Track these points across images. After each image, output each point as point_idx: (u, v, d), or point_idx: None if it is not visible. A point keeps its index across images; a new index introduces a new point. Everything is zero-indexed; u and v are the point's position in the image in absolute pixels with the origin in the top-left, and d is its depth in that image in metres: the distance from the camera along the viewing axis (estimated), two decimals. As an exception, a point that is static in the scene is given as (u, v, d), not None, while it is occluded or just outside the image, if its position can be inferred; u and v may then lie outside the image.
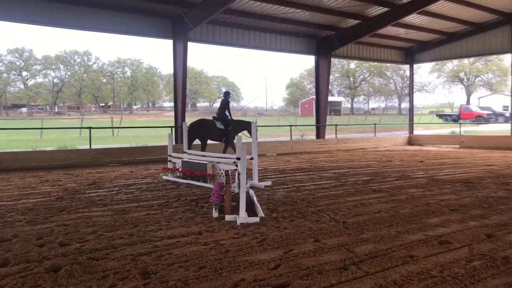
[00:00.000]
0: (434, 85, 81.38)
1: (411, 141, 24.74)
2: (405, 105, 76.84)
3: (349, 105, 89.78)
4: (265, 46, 19.45)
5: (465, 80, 75.98)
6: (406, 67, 28.28)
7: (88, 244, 5.06)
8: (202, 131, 13.10)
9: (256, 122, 14.75)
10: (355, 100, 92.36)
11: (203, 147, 13.26)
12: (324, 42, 20.50)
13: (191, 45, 16.59)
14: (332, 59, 22.28)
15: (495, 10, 20.16)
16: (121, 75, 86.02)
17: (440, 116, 54.88)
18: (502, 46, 21.62)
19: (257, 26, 18.44)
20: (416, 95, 73.24)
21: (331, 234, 5.42)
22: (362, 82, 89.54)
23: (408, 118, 26.96)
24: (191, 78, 78.44)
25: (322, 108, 21.56)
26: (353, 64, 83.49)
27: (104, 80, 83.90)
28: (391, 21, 18.64)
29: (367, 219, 6.22)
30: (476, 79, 75.70)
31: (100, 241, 5.21)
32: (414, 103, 27.70)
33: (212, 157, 10.18)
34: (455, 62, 69.78)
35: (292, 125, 21.72)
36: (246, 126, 13.76)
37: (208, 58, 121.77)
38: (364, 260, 4.44)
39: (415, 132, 26.55)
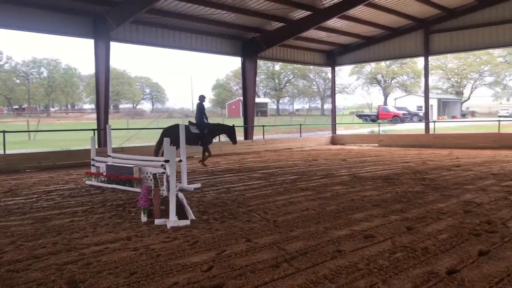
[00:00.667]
0: (354, 87, 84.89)
1: (334, 141, 25.68)
2: (327, 106, 79.63)
3: (275, 106, 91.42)
4: (191, 46, 19.29)
5: (382, 82, 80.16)
6: (328, 69, 29.28)
7: (6, 256, 4.73)
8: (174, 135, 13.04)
9: (233, 125, 15.00)
10: (280, 101, 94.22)
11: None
12: (250, 44, 20.71)
13: (113, 45, 16.07)
14: (258, 60, 22.57)
15: (409, 16, 21.49)
16: (37, 76, 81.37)
17: (360, 116, 57.53)
18: (416, 50, 23.08)
19: (182, 27, 18.24)
20: (337, 97, 75.94)
21: (262, 233, 5.48)
22: (287, 84, 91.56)
23: (330, 119, 27.95)
24: (113, 79, 75.87)
25: (250, 109, 21.78)
26: (278, 66, 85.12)
27: (18, 81, 78.85)
28: (314, 25, 19.25)
29: (296, 217, 6.37)
30: (392, 81, 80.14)
31: (20, 251, 4.89)
32: (335, 104, 28.76)
33: (138, 160, 9.92)
34: (373, 64, 73.36)
35: (220, 127, 21.71)
36: (225, 129, 14.24)
37: (131, 58, 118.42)
38: (295, 257, 4.53)
39: (338, 132, 27.59)
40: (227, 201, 7.72)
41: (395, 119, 50.63)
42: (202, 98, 14.04)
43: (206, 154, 13.95)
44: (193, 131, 13.38)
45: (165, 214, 6.28)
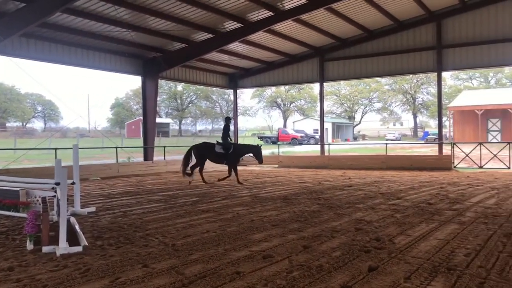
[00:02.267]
0: (256, 110, 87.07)
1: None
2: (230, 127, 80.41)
3: (177, 127, 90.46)
4: (88, 64, 18.52)
5: (282, 105, 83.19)
6: (230, 91, 29.75)
7: None
8: (198, 153, 14.68)
9: (261, 146, 15.28)
10: (183, 122, 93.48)
11: (198, 166, 14.84)
12: (151, 63, 20.38)
13: (1, 59, 14.87)
14: (159, 80, 22.26)
15: (306, 44, 22.67)
16: None
17: (261, 138, 58.94)
18: (312, 76, 24.36)
19: (79, 43, 17.47)
20: (239, 118, 77.23)
21: (160, 258, 5.31)
22: (190, 105, 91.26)
23: (233, 140, 28.27)
24: (0, 95, 70.19)
25: (150, 130, 21.30)
26: (180, 86, 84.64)
27: None
28: (216, 47, 19.51)
29: (196, 239, 6.27)
30: (291, 105, 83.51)
31: None
32: (238, 126, 29.22)
33: (25, 182, 9.16)
34: (273, 88, 76.05)
35: (118, 147, 20.91)
36: (251, 149, 15.10)
37: (21, 74, 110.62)
38: (193, 281, 4.44)
39: (240, 153, 27.93)
40: (124, 226, 7.40)
41: (294, 141, 52.67)
42: (228, 120, 15.10)
43: (227, 174, 14.77)
44: (217, 150, 14.44)
45: (54, 240, 5.83)
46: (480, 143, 20.67)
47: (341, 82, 72.43)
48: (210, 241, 6.14)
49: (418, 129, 77.19)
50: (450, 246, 5.68)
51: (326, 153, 24.71)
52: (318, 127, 25.24)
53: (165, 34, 18.21)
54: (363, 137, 76.81)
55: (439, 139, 22.07)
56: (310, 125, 67.89)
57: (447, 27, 20.67)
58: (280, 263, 5.04)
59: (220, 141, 14.71)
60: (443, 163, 20.23)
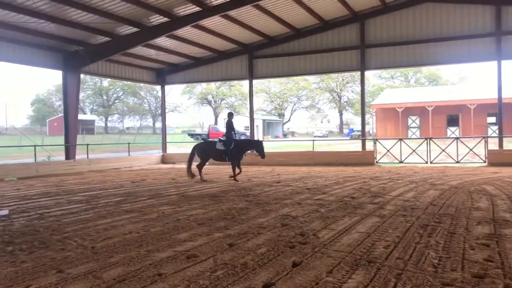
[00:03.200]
0: (186, 106, 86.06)
1: (164, 160, 25.44)
2: (159, 124, 78.95)
3: (103, 124, 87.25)
4: (2, 57, 17.26)
5: (212, 102, 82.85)
6: (159, 87, 29.05)
7: None
8: (201, 151, 14.58)
9: (261, 140, 14.83)
10: (109, 118, 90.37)
11: (201, 164, 14.58)
12: (73, 57, 19.38)
13: None
14: (82, 75, 21.25)
15: (235, 40, 22.64)
16: None
17: (192, 135, 58.26)
18: (242, 73, 24.39)
19: (-9, 34, 16.24)
20: (169, 115, 76.03)
21: (77, 262, 5.00)
22: (116, 101, 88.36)
23: (161, 137, 27.67)
24: None
25: (72, 127, 20.28)
26: (106, 82, 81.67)
27: None
28: (141, 42, 18.94)
29: (117, 241, 5.99)
30: (222, 102, 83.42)
31: None
32: (167, 123, 28.63)
33: None
34: (204, 85, 75.48)
35: (37, 145, 19.74)
36: (253, 145, 14.72)
37: None
38: (112, 285, 4.21)
39: (168, 151, 27.45)
40: (39, 229, 6.93)
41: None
42: (231, 116, 14.73)
43: (237, 170, 14.16)
44: (218, 147, 14.13)
45: (-44, 248, 5.32)
46: (401, 139, 21.76)
47: (271, 79, 73.49)
48: (132, 243, 5.89)
49: (343, 126, 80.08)
50: (371, 239, 5.85)
51: (256, 150, 24.85)
52: (248, 124, 25.43)
53: (88, 26, 17.40)
54: (293, 134, 78.42)
55: (363, 135, 22.96)
56: (241, 122, 68.15)
57: (369, 27, 21.52)
58: (204, 263, 4.92)
59: (223, 138, 14.62)
60: (366, 159, 21.07)
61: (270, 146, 36.52)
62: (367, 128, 34.51)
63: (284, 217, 7.51)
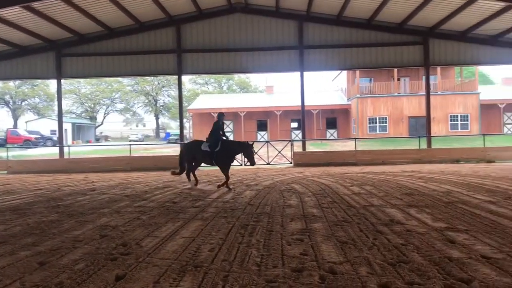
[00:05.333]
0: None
1: (-50, 169, 21.65)
2: None
3: None
4: None
5: (11, 103, 73.82)
6: None
7: None
8: (186, 151, 12.82)
9: (252, 143, 12.43)
10: None
11: (187, 169, 12.78)
12: None
13: None
14: None
15: (39, 35, 20.51)
16: None
17: (-15, 140, 51.00)
18: (48, 72, 22.28)
19: None
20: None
21: None
22: None
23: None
24: None
25: None
26: None
27: None
28: None
29: None
30: (23, 103, 75.00)
31: None
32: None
33: None
34: (0, 84, 66.86)
35: None
36: (241, 147, 12.34)
37: None
38: None
39: (-44, 159, 23.43)
40: None
41: (27, 143, 47.34)
42: (220, 116, 12.88)
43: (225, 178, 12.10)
44: (203, 148, 12.32)
45: None
46: (216, 143, 22.50)
47: (81, 80, 69.02)
48: None
49: (160, 130, 79.69)
50: (195, 243, 5.81)
51: (66, 156, 22.96)
52: (56, 127, 23.17)
53: None
54: (106, 138, 74.89)
55: (181, 139, 23.09)
56: (46, 126, 62.23)
57: (186, 32, 21.81)
58: (9, 287, 4.23)
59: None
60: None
61: (81, 151, 34.17)
62: (184, 132, 34.91)
63: (102, 228, 6.99)
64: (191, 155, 12.65)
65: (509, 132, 42.34)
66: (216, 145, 12.13)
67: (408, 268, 4.53)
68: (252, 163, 12.01)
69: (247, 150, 12.03)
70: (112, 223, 7.40)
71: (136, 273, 4.60)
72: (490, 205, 8.20)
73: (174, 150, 31.28)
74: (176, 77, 22.91)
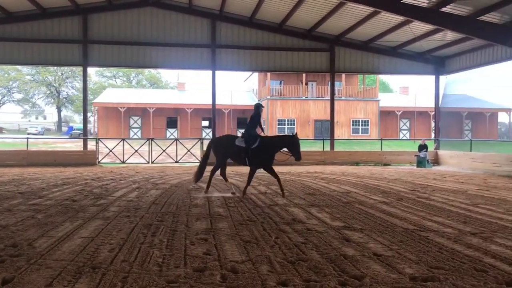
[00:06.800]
0: None
1: None
2: None
3: None
4: None
5: None
6: None
7: None
8: (218, 148, 10.66)
9: (295, 134, 10.28)
10: None
11: (217, 166, 10.69)
12: None
13: None
14: None
15: None
16: None
17: None
18: None
19: None
20: None
21: None
22: None
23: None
24: None
25: None
26: None
27: None
28: None
29: None
30: None
31: None
32: None
33: None
34: None
35: None
36: (286, 141, 10.28)
37: None
38: None
39: None
40: None
41: None
42: (258, 107, 10.70)
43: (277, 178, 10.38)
44: (237, 143, 10.26)
45: None
46: (123, 139, 21.78)
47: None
48: None
49: (62, 124, 75.23)
50: (94, 243, 5.57)
51: (-49, 148, 20.87)
52: None
53: None
54: (1, 130, 69.14)
55: (84, 134, 22.02)
56: None
57: (93, 22, 20.84)
58: None
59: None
60: (88, 159, 20.29)
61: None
62: (88, 126, 33.29)
63: (-9, 227, 6.45)
64: (223, 152, 10.61)
65: (404, 138, 45.75)
66: (254, 141, 10.25)
67: (306, 266, 4.71)
68: (298, 157, 10.09)
69: (292, 142, 10.16)
70: (2, 222, 6.85)
71: (26, 276, 4.30)
72: (384, 206, 8.81)
73: (76, 145, 29.75)
74: (81, 68, 21.77)
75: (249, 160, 10.19)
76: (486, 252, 5.25)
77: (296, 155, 10.06)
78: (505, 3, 14.92)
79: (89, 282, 4.16)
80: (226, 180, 11.01)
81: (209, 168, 10.96)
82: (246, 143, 10.19)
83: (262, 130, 10.82)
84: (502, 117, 50.50)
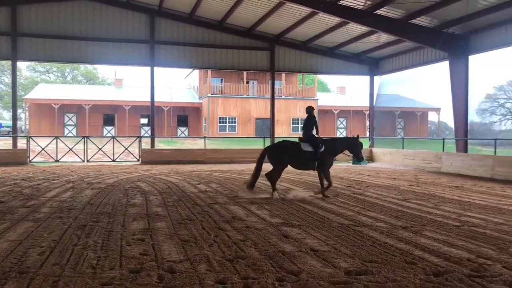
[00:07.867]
0: None
1: None
2: None
3: None
4: None
5: None
6: None
7: None
8: (279, 154, 9.93)
9: (358, 136, 10.81)
10: None
11: (275, 175, 9.84)
12: None
13: None
14: None
15: None
16: None
17: None
18: None
19: None
20: None
21: None
22: None
23: None
24: None
25: None
26: None
27: None
28: None
29: None
30: None
31: None
32: None
33: None
34: None
35: None
36: (348, 143, 10.70)
37: None
38: None
39: None
40: None
41: None
42: (310, 110, 10.61)
43: (326, 182, 10.05)
44: (305, 149, 9.95)
45: None
46: (57, 137, 20.84)
47: None
48: None
49: (-10, 121, 70.86)
50: (23, 246, 5.28)
51: None
52: None
53: None
54: None
55: (14, 132, 20.84)
56: None
57: (23, 14, 19.73)
58: None
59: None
60: (17, 157, 19.24)
61: None
62: (19, 124, 31.56)
63: None
64: (285, 159, 10.02)
65: (342, 136, 47.11)
66: (320, 144, 10.13)
67: (245, 263, 4.72)
68: (360, 158, 10.92)
69: (355, 144, 10.60)
70: None
71: None
72: (321, 202, 9.04)
73: (5, 143, 28.16)
74: (10, 62, 20.56)
75: (319, 164, 9.99)
76: (416, 245, 5.52)
77: (358, 155, 10.75)
78: (434, 8, 15.73)
79: (16, 287, 3.94)
80: (275, 189, 9.92)
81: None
82: (314, 148, 10.04)
83: (317, 132, 10.48)
84: (432, 116, 53.22)
